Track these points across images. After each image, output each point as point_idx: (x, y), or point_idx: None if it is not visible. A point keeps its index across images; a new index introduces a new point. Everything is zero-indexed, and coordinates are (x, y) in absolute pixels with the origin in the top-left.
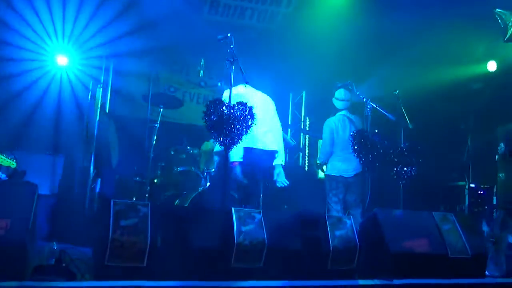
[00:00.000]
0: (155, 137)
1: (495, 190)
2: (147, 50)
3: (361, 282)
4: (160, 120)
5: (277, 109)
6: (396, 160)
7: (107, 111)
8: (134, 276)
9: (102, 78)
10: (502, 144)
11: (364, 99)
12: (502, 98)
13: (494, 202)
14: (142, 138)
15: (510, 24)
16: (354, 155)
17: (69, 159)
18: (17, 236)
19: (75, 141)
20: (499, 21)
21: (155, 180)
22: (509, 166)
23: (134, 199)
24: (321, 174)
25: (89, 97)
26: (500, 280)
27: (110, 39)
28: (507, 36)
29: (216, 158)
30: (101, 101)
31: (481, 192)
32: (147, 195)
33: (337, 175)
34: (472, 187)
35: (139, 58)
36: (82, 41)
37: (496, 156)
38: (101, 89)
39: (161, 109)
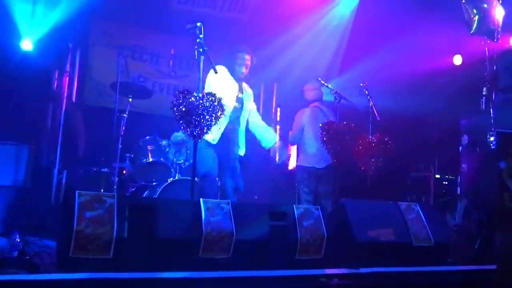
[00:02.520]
0: (123, 128)
1: (458, 181)
2: (115, 39)
3: (329, 271)
4: (128, 110)
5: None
6: (364, 151)
7: (73, 99)
8: (100, 268)
9: (68, 66)
10: (465, 136)
11: (333, 91)
12: (467, 91)
13: (458, 192)
14: (110, 129)
15: (476, 17)
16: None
17: (34, 150)
18: None
19: (40, 131)
20: (465, 14)
21: (124, 171)
22: (471, 158)
23: (102, 190)
24: (292, 165)
25: (55, 86)
26: (461, 267)
27: (77, 25)
28: (473, 29)
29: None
30: (67, 89)
31: (446, 183)
32: (115, 186)
33: (309, 166)
34: (437, 178)
35: (106, 47)
36: (49, 26)
37: (460, 148)
38: (67, 77)
39: (130, 99)
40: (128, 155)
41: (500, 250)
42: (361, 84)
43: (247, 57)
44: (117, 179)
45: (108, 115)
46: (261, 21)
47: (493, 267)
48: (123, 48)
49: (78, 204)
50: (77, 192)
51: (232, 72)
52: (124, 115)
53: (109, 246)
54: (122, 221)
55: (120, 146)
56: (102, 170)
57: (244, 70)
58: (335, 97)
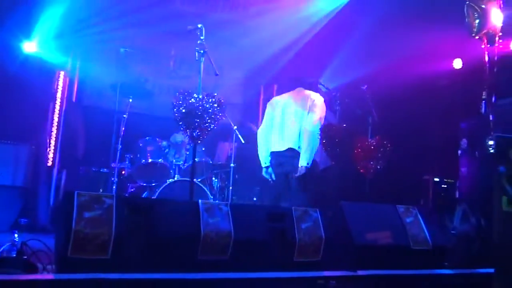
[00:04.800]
0: (123, 128)
1: (457, 185)
2: (115, 39)
3: (326, 273)
4: (128, 111)
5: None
6: (363, 154)
7: (74, 100)
8: (98, 268)
9: (69, 66)
10: (464, 140)
11: (333, 93)
12: (466, 95)
13: (457, 196)
14: (110, 129)
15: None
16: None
17: (34, 149)
18: None
19: (41, 131)
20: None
21: (123, 172)
22: (470, 162)
23: (101, 190)
24: None
25: (56, 86)
26: (459, 271)
27: (78, 27)
28: (474, 33)
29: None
30: (68, 90)
31: (445, 186)
32: (114, 187)
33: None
34: (436, 181)
35: (107, 47)
36: (50, 28)
37: (459, 152)
38: (68, 77)
39: (130, 100)
40: (127, 155)
41: (498, 254)
42: (362, 87)
43: None
44: (116, 179)
45: (108, 116)
46: (262, 22)
47: (491, 271)
48: (124, 48)
49: (77, 204)
50: (76, 192)
51: None
52: (124, 115)
53: (108, 247)
54: (121, 222)
55: (119, 146)
56: (101, 170)
57: None
58: (335, 99)
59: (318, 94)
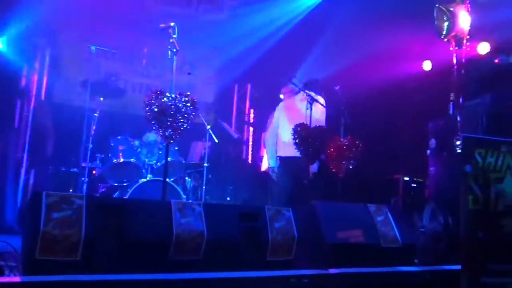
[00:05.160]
0: (94, 127)
1: (426, 184)
2: (87, 37)
3: (299, 272)
4: (100, 109)
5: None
6: (335, 154)
7: (42, 98)
8: (68, 270)
9: (38, 63)
10: (433, 140)
11: (306, 93)
12: (435, 96)
13: (426, 195)
14: (81, 128)
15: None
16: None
17: (1, 148)
18: None
19: (8, 129)
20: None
21: (94, 172)
22: (439, 161)
23: (71, 191)
24: (264, 166)
25: (24, 84)
26: (427, 268)
27: (48, 23)
28: (443, 35)
29: None
30: (36, 87)
31: (414, 185)
32: (85, 187)
33: None
34: (406, 180)
35: (78, 45)
36: (19, 25)
37: (428, 151)
38: (36, 75)
39: (101, 98)
40: (98, 155)
41: (464, 251)
42: (335, 88)
43: None
44: (87, 179)
45: (79, 114)
46: (235, 21)
47: (458, 267)
48: (95, 46)
49: (46, 204)
50: (44, 192)
51: None
52: (95, 114)
53: (77, 248)
54: (91, 222)
55: (90, 145)
56: (71, 170)
57: None
58: (307, 99)
59: None
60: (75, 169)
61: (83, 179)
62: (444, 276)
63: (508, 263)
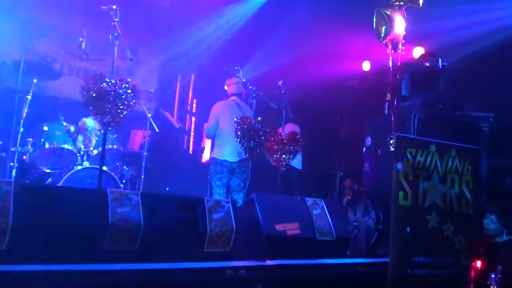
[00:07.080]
0: (26, 110)
1: (361, 180)
2: (20, 14)
3: (236, 263)
4: (33, 92)
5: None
6: (276, 147)
7: None
8: None
9: None
10: (369, 138)
11: (250, 87)
12: (372, 95)
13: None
14: (11, 110)
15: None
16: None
17: None
18: None
19: None
20: (375, 21)
21: (25, 157)
22: (373, 158)
23: None
24: (205, 158)
25: None
26: (359, 260)
27: None
28: (381, 38)
29: None
30: None
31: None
32: (14, 172)
33: (222, 159)
34: (342, 175)
35: (10, 22)
36: None
37: (364, 148)
38: None
39: (35, 80)
40: (30, 139)
41: (393, 244)
42: (278, 83)
43: None
44: (17, 165)
45: (9, 96)
46: (180, 8)
47: (387, 260)
48: (29, 24)
49: None
50: None
51: None
52: (28, 96)
53: (4, 237)
54: (19, 210)
55: (21, 129)
56: None
57: None
58: (251, 93)
59: None
60: (3, 154)
61: (12, 164)
62: (374, 267)
63: (431, 256)
